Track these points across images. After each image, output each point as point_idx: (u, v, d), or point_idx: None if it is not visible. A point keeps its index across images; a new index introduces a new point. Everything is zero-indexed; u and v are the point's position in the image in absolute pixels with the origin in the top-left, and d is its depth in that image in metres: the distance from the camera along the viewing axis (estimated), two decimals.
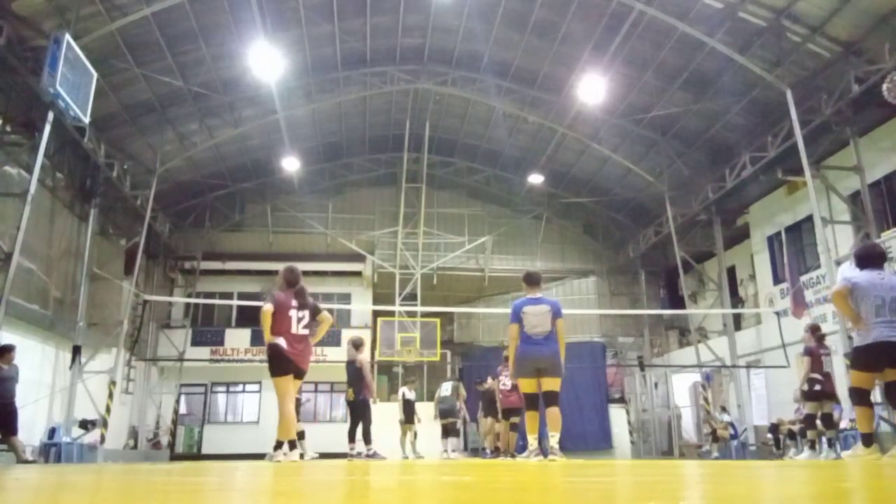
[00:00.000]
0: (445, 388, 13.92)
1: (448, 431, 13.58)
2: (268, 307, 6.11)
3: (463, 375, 19.21)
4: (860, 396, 5.77)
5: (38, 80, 11.07)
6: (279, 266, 23.65)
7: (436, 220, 23.42)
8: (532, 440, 6.63)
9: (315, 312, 6.35)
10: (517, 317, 6.47)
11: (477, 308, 23.35)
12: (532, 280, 6.72)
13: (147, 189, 17.24)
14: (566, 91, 17.80)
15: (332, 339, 20.97)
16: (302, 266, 24.96)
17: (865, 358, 5.59)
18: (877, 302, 5.46)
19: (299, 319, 6.19)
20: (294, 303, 6.21)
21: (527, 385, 6.54)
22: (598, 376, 20.57)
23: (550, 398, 6.43)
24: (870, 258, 5.81)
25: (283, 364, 6.10)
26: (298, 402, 9.81)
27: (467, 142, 22.79)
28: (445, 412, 13.53)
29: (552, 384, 6.43)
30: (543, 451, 6.73)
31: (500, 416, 11.43)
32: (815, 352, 8.97)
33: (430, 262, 23.08)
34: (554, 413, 6.42)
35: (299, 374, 6.25)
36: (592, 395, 20.09)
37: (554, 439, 6.37)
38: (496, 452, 12.14)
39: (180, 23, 14.07)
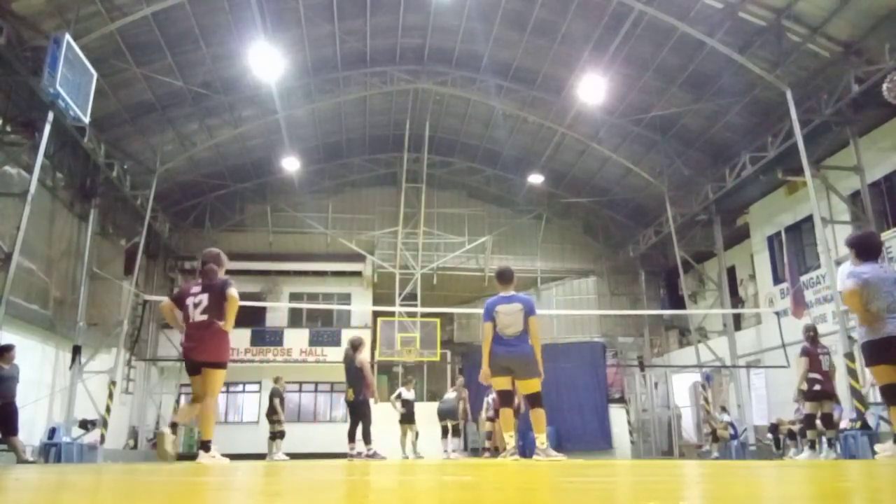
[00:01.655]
0: (450, 392, 14.38)
1: (446, 432, 13.77)
2: (163, 303, 5.92)
3: (464, 375, 19.22)
4: (894, 394, 5.46)
5: (38, 80, 11.07)
6: (279, 266, 23.37)
7: (436, 220, 23.42)
8: (509, 438, 6.51)
9: (219, 293, 5.72)
10: (490, 316, 6.28)
11: (477, 308, 23.27)
12: (504, 277, 6.51)
13: (147, 189, 17.25)
14: (566, 91, 17.80)
15: (333, 339, 21.01)
16: (302, 266, 24.78)
17: (885, 350, 5.38)
18: (889, 299, 5.38)
19: (196, 305, 5.70)
20: (195, 289, 5.79)
21: (499, 382, 6.39)
22: (598, 376, 20.55)
23: (532, 400, 6.28)
24: (870, 248, 5.71)
25: (185, 366, 5.82)
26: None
27: (467, 142, 22.79)
28: (444, 413, 13.76)
29: (528, 386, 6.26)
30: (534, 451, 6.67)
31: (495, 415, 11.52)
32: (812, 352, 8.97)
33: (430, 262, 23.08)
34: (538, 414, 6.24)
35: (196, 367, 5.69)
36: (592, 395, 20.05)
37: (539, 440, 6.28)
38: (495, 452, 12.15)
39: (180, 23, 14.08)
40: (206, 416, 5.73)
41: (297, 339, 21.24)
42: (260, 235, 23.10)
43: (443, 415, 13.88)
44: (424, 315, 20.43)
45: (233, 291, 5.70)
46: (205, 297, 5.70)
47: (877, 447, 6.80)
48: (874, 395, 11.00)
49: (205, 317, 5.65)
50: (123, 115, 16.13)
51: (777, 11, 12.93)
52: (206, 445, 5.69)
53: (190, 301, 5.73)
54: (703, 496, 2.15)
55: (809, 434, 9.10)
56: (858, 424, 10.95)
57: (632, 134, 18.96)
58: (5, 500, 2.16)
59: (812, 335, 9.16)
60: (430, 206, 23.06)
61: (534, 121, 19.84)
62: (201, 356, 5.67)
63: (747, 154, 16.01)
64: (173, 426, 5.69)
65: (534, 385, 6.25)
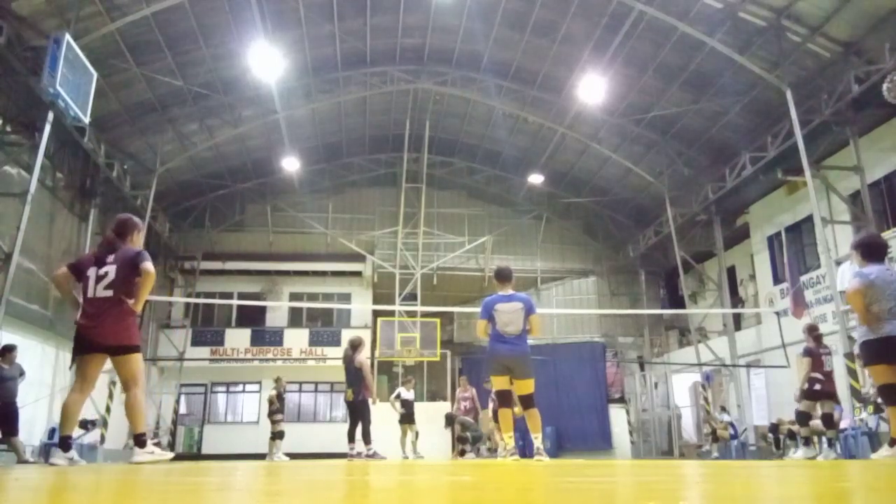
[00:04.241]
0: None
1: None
2: (58, 272, 4.92)
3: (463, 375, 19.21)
4: (892, 394, 5.43)
5: (38, 80, 11.07)
6: (279, 266, 23.31)
7: (436, 220, 23.43)
8: (508, 438, 6.57)
9: (131, 266, 4.78)
10: (488, 313, 6.39)
11: (477, 308, 23.29)
12: (503, 276, 6.62)
13: (147, 189, 17.26)
14: (566, 91, 17.80)
15: (333, 339, 21.03)
16: (302, 266, 24.72)
17: (883, 350, 5.35)
18: (892, 302, 5.34)
19: (99, 278, 4.74)
20: (103, 259, 4.86)
21: (498, 382, 6.46)
22: (598, 376, 20.57)
23: (526, 401, 6.35)
24: (877, 249, 5.72)
25: (75, 344, 4.79)
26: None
27: (467, 142, 22.79)
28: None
29: (524, 387, 6.32)
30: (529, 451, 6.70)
31: (494, 416, 11.49)
32: (815, 352, 8.96)
33: (430, 262, 23.08)
34: (533, 414, 6.32)
35: (101, 349, 4.74)
36: (592, 395, 20.10)
37: (537, 440, 6.33)
38: (493, 452, 12.15)
39: (180, 23, 14.09)
40: (135, 408, 4.83)
41: (297, 339, 21.26)
42: (260, 235, 23.10)
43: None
44: (424, 315, 20.43)
45: (148, 266, 4.79)
46: (112, 270, 4.76)
47: (872, 456, 6.79)
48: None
49: (109, 293, 4.72)
50: (123, 115, 16.13)
51: (777, 11, 12.93)
52: (139, 440, 4.86)
53: (92, 272, 4.78)
54: (703, 496, 2.15)
55: (803, 431, 9.12)
56: (870, 409, 10.96)
57: (632, 134, 18.96)
58: (5, 500, 2.16)
59: (816, 335, 9.17)
60: (430, 206, 23.07)
61: (534, 121, 19.85)
62: (111, 339, 4.71)
63: (747, 154, 16.01)
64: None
65: (530, 385, 6.33)
